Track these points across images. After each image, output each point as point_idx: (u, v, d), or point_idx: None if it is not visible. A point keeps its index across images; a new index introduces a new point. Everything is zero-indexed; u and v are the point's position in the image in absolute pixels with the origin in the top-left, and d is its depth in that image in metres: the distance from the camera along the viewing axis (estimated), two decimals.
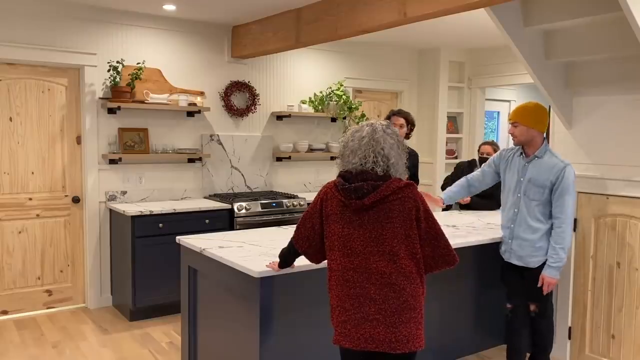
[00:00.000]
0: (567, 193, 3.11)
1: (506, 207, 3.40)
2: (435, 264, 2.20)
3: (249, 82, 5.45)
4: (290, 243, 2.41)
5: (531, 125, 3.18)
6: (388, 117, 4.25)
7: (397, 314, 2.11)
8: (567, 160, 3.18)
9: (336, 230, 2.19)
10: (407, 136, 4.25)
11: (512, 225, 3.32)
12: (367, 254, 2.14)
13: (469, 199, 4.53)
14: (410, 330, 2.13)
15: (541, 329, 3.39)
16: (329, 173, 6.04)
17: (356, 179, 2.17)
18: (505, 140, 8.25)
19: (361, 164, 2.18)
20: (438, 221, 2.23)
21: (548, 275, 3.16)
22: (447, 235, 2.25)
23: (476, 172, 3.65)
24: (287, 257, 2.47)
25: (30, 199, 4.58)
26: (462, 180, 3.68)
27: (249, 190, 5.51)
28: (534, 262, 3.24)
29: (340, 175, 2.24)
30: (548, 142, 3.78)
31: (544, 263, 3.22)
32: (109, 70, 4.62)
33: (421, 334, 2.17)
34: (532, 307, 3.36)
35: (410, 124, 4.23)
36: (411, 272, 2.14)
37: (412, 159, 4.17)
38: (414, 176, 4.29)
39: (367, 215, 2.15)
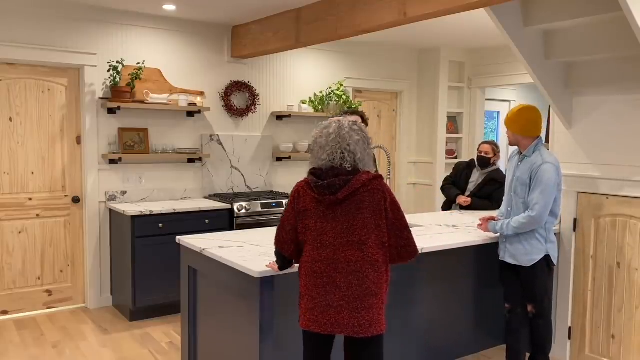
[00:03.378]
0: (537, 188, 3.14)
1: (504, 205, 3.47)
2: (399, 253, 2.32)
3: (249, 82, 5.45)
4: (277, 252, 2.45)
5: (513, 131, 3.28)
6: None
7: (359, 300, 2.24)
8: (551, 159, 3.18)
9: (310, 224, 2.31)
10: None
11: None
12: (337, 245, 2.26)
13: (469, 199, 4.54)
14: (372, 315, 2.25)
15: (539, 329, 3.40)
16: None
17: (327, 175, 2.28)
18: (504, 140, 8.25)
19: (330, 160, 2.30)
20: (404, 213, 2.36)
21: (489, 226, 3.36)
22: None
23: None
24: (281, 262, 2.50)
25: (30, 199, 4.58)
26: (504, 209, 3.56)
27: (249, 190, 5.51)
28: (526, 261, 3.25)
29: (311, 173, 2.35)
30: (547, 142, 3.79)
31: (538, 262, 3.23)
32: (109, 70, 4.62)
33: (382, 319, 2.30)
34: (529, 308, 3.37)
35: (364, 122, 4.22)
36: (377, 261, 2.27)
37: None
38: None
39: (340, 208, 2.27)
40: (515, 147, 3.41)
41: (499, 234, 3.39)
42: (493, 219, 3.45)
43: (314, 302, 2.27)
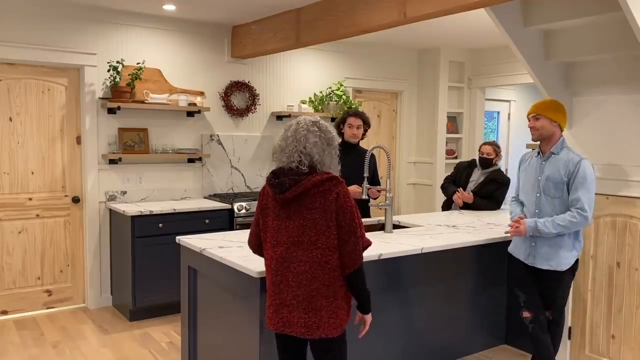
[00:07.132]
0: (582, 185, 2.99)
1: (525, 208, 3.24)
2: (342, 259, 2.22)
3: (249, 82, 5.45)
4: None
5: (554, 117, 3.08)
6: (343, 119, 4.18)
7: (308, 301, 2.22)
8: (583, 156, 3.11)
9: (269, 222, 2.33)
10: (363, 136, 4.23)
11: None
12: (289, 244, 2.26)
13: (471, 195, 4.51)
14: (321, 317, 2.22)
15: (554, 336, 3.29)
16: None
17: (285, 175, 2.29)
18: (505, 141, 8.25)
19: (288, 162, 2.30)
20: (359, 219, 2.26)
21: (527, 224, 3.06)
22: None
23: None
24: None
25: (30, 199, 4.58)
26: (515, 203, 3.39)
27: (249, 190, 5.51)
28: (563, 265, 3.10)
29: (272, 171, 2.36)
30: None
31: (572, 266, 3.13)
32: (108, 70, 4.62)
33: (336, 322, 2.24)
34: (547, 314, 3.25)
35: (366, 123, 4.20)
36: (328, 262, 2.23)
37: (372, 160, 4.23)
38: (373, 178, 4.20)
39: (292, 207, 2.27)
40: (528, 151, 3.28)
41: (529, 242, 3.17)
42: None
43: (271, 300, 2.30)
